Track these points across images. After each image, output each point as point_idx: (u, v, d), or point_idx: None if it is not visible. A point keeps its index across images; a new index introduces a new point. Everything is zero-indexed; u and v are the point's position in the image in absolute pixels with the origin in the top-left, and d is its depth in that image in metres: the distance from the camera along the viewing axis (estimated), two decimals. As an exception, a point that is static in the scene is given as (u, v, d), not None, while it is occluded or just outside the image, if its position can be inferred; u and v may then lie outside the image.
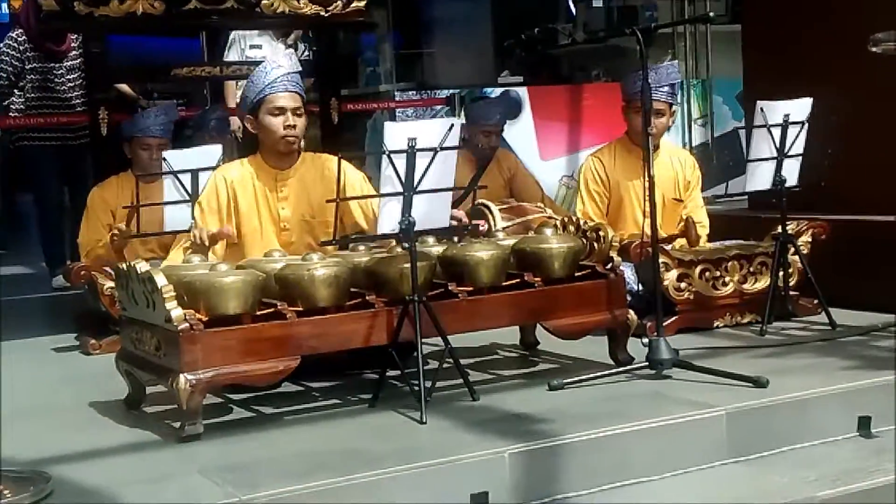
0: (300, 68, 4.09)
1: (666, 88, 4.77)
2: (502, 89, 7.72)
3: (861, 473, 3.20)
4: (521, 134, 7.51)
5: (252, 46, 6.86)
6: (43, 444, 3.29)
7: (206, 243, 3.90)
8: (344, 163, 3.74)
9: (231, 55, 7.03)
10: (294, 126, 4.00)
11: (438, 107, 7.46)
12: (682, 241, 4.77)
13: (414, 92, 8.10)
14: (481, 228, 4.31)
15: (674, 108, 4.90)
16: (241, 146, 6.25)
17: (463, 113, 6.33)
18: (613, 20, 9.32)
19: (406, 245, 3.49)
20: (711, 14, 5.14)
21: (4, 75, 6.53)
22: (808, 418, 3.47)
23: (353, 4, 5.72)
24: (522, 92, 7.67)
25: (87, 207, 5.10)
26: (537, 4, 10.05)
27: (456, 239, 3.90)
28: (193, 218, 4.14)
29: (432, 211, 3.52)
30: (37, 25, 5.85)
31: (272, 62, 4.07)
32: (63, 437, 3.41)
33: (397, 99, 7.75)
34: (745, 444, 3.33)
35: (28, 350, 4.95)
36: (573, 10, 9.99)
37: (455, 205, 4.31)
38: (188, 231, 4.44)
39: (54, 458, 3.14)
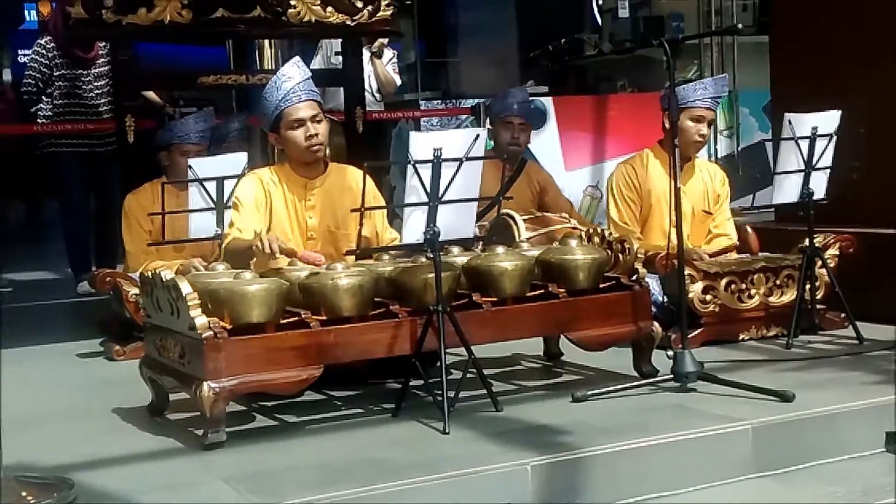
0: (309, 75, 4.04)
1: (717, 98, 4.81)
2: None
3: (888, 489, 3.16)
4: (545, 144, 7.49)
5: (337, 53, 6.85)
6: (66, 450, 3.31)
7: (277, 255, 3.70)
8: (368, 178, 3.72)
9: (316, 63, 7.05)
10: (316, 134, 3.99)
11: (464, 116, 7.46)
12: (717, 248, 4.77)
13: (439, 101, 8.10)
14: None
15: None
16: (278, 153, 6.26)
17: (487, 121, 6.29)
18: (639, 30, 9.31)
19: (430, 255, 3.48)
20: (739, 26, 5.12)
21: (33, 82, 6.58)
22: (835, 433, 3.44)
23: (380, 14, 5.73)
24: (547, 102, 7.66)
25: (125, 215, 5.11)
26: (562, 14, 10.05)
27: (480, 248, 3.89)
28: (225, 219, 4.11)
29: (457, 221, 3.51)
30: (65, 33, 5.89)
31: (281, 75, 4.01)
32: (86, 443, 3.42)
33: (422, 108, 7.75)
34: (771, 459, 3.30)
35: (52, 355, 4.99)
36: (599, 20, 9.98)
37: (481, 215, 4.32)
38: (214, 238, 4.47)
39: (77, 464, 3.15)
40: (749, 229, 5.06)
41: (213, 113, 5.41)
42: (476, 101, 7.51)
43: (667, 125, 4.81)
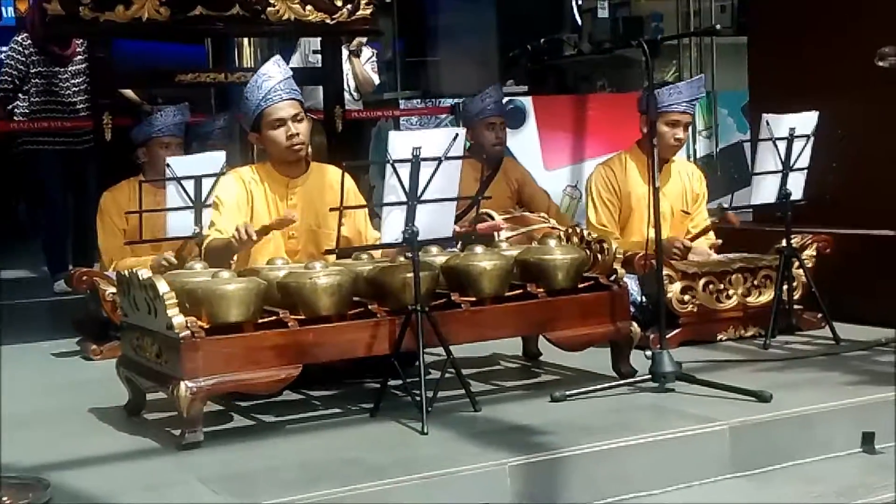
0: (290, 73, 4.03)
1: (693, 101, 4.81)
2: (505, 98, 7.70)
3: (864, 489, 3.18)
4: (525, 143, 7.51)
5: (315, 52, 6.82)
6: (42, 450, 3.28)
7: (255, 238, 3.72)
8: (347, 177, 3.71)
9: (294, 61, 7.02)
10: (297, 133, 3.97)
11: (443, 116, 7.46)
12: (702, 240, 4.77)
13: (418, 101, 8.10)
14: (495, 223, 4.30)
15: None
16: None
17: (461, 121, 6.26)
18: (619, 31, 9.34)
19: (409, 254, 3.48)
20: (718, 27, 5.15)
21: (9, 79, 6.55)
22: (811, 433, 3.45)
23: (359, 12, 5.71)
24: (527, 101, 7.67)
25: (100, 212, 5.07)
26: (542, 14, 10.06)
27: (459, 248, 3.89)
28: (203, 218, 4.09)
29: (436, 220, 3.51)
30: (42, 30, 5.84)
31: (262, 74, 3.99)
32: (62, 443, 3.40)
33: (402, 107, 7.74)
34: (747, 459, 3.31)
35: (28, 355, 4.95)
36: (579, 20, 10.00)
37: (460, 216, 4.31)
38: (192, 237, 4.45)
39: (53, 464, 3.13)
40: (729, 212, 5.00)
41: (187, 107, 5.38)
42: (455, 100, 7.51)
43: (644, 129, 4.84)
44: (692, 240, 4.78)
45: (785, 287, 4.57)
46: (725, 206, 4.91)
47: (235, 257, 3.90)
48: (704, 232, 4.86)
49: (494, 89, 5.94)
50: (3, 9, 11.92)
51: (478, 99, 5.83)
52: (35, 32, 6.29)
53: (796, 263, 4.62)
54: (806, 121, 4.53)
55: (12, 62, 6.53)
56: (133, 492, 2.89)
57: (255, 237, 3.71)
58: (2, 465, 3.05)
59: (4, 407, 3.71)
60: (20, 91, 6.57)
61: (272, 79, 3.97)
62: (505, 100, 7.53)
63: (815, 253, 4.76)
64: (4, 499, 2.81)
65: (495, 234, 4.36)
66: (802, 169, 4.56)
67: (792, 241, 4.59)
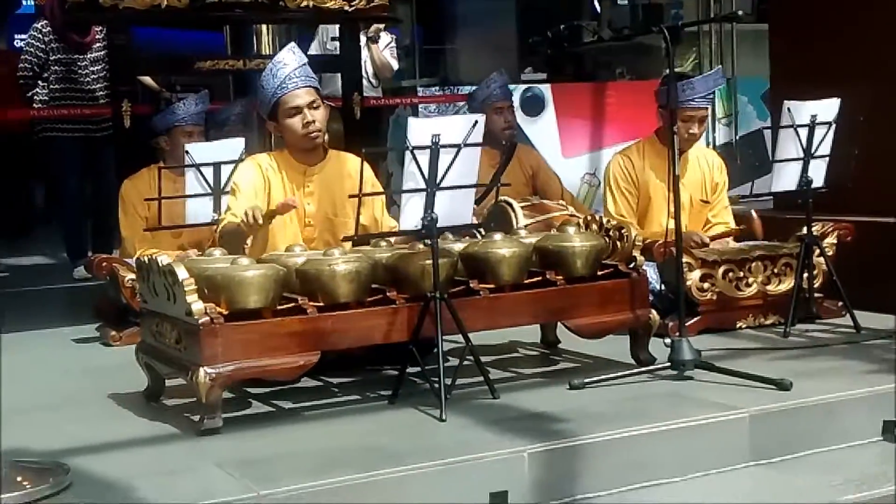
0: (305, 61, 4.01)
1: (709, 94, 4.78)
2: (523, 86, 7.69)
3: (885, 478, 3.16)
4: (543, 131, 7.49)
5: (333, 39, 6.82)
6: (62, 436, 3.29)
7: (261, 221, 3.69)
8: (367, 165, 3.71)
9: (312, 49, 7.01)
10: (314, 121, 3.96)
11: (461, 103, 7.44)
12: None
13: (437, 88, 8.08)
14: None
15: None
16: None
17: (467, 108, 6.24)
18: (638, 17, 9.30)
19: (428, 241, 3.47)
20: (740, 13, 5.08)
21: (29, 66, 6.57)
22: (832, 422, 3.43)
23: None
24: (545, 89, 7.65)
25: (121, 200, 5.06)
26: (561, 1, 10.03)
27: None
28: (222, 205, 4.09)
29: (455, 208, 3.50)
30: (62, 17, 5.86)
31: (277, 62, 3.98)
32: (82, 428, 3.41)
33: (420, 94, 7.73)
34: (767, 447, 3.30)
35: (48, 340, 4.97)
36: (597, 7, 9.96)
37: (477, 202, 4.31)
38: (211, 224, 4.45)
39: (73, 449, 3.14)
40: (754, 215, 5.03)
41: (207, 95, 5.39)
42: (474, 87, 7.48)
43: (660, 121, 4.82)
44: (712, 240, 4.76)
45: (805, 275, 4.55)
46: (746, 194, 4.89)
47: (249, 241, 3.89)
48: (725, 235, 4.83)
49: (499, 74, 5.92)
50: (22, -4, 11.95)
51: (483, 85, 5.83)
52: (54, 20, 6.31)
53: (817, 251, 4.59)
54: (828, 108, 4.49)
55: (32, 49, 6.55)
56: (152, 477, 2.89)
57: (261, 221, 3.69)
58: (23, 451, 3.08)
59: (25, 392, 3.75)
60: (40, 78, 6.59)
61: (287, 66, 3.95)
62: (523, 87, 7.56)
63: (835, 241, 4.73)
64: (25, 483, 2.82)
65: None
66: (824, 156, 4.53)
67: (813, 229, 4.56)
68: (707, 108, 4.85)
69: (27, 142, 7.38)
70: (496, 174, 5.72)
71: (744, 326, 4.59)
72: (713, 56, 8.72)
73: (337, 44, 6.48)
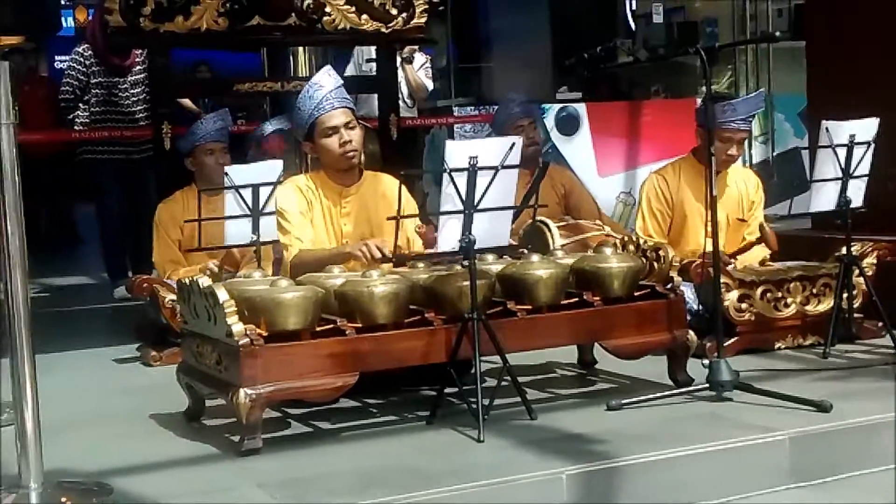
0: (341, 82, 4.07)
1: (750, 117, 4.77)
2: (558, 105, 7.69)
3: (927, 501, 3.14)
4: (579, 150, 7.48)
5: (369, 60, 6.88)
6: (104, 456, 3.33)
7: (391, 256, 3.68)
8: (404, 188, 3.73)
9: (348, 70, 7.08)
10: (350, 141, 4.01)
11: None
12: (751, 255, 4.71)
13: (472, 107, 8.10)
14: None
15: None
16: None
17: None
18: (673, 35, 9.27)
19: (466, 263, 3.49)
20: (777, 33, 5.06)
21: (70, 89, 6.67)
22: (873, 443, 3.40)
23: (414, 20, 5.75)
24: (581, 108, 7.65)
25: (156, 225, 5.12)
26: (595, 19, 10.04)
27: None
28: (259, 226, 4.10)
29: (493, 229, 3.51)
30: (103, 41, 5.95)
31: (313, 84, 4.04)
32: (124, 448, 3.45)
33: (455, 114, 7.76)
34: (808, 470, 3.28)
35: (89, 360, 5.03)
36: (633, 25, 9.96)
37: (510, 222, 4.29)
38: (249, 245, 4.49)
39: (115, 469, 3.18)
40: (766, 227, 4.93)
41: (228, 112, 5.45)
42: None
43: (699, 140, 4.80)
44: (737, 253, 4.72)
45: (844, 295, 4.51)
46: (784, 213, 4.85)
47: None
48: (743, 250, 4.77)
49: (516, 93, 5.93)
50: (63, 19, 12.13)
51: (501, 107, 5.84)
52: (96, 43, 6.40)
53: (856, 271, 4.55)
54: (866, 127, 4.46)
55: (73, 72, 6.65)
56: (193, 496, 2.93)
57: (389, 255, 3.68)
58: (65, 471, 3.11)
59: (67, 412, 3.79)
60: (81, 101, 6.69)
61: (323, 88, 4.01)
62: (558, 106, 7.56)
63: (875, 261, 4.69)
64: (68, 503, 2.86)
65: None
66: (862, 176, 4.50)
67: (852, 249, 4.53)
68: (747, 131, 4.84)
69: (69, 163, 7.48)
70: (528, 194, 5.72)
71: (782, 347, 4.55)
72: (749, 74, 8.68)
73: (373, 65, 6.53)
